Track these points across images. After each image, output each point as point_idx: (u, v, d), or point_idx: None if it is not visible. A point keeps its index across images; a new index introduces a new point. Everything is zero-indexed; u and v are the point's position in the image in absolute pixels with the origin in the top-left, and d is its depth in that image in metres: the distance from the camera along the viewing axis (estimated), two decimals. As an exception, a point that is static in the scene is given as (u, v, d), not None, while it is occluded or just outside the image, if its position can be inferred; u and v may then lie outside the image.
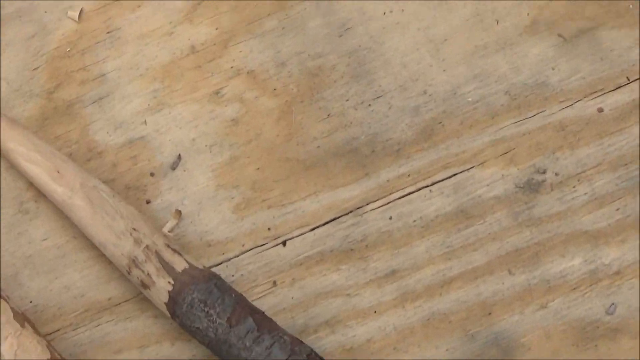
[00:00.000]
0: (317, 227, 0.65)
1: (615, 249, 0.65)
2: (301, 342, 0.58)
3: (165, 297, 0.59)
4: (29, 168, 0.61)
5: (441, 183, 0.66)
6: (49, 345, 0.58)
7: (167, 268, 0.59)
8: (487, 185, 0.65)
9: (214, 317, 0.58)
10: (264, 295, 0.65)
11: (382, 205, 0.65)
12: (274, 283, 0.64)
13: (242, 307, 0.59)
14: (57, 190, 0.60)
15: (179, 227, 0.65)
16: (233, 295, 0.59)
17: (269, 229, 0.65)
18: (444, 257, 0.64)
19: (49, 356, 0.57)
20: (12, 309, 0.58)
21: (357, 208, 0.65)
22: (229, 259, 0.65)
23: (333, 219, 0.65)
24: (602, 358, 0.62)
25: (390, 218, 0.65)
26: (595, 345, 0.63)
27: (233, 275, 0.64)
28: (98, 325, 0.63)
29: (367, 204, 0.65)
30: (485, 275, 0.64)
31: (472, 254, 0.65)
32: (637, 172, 0.66)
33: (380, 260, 0.64)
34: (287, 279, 0.64)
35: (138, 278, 0.60)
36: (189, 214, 0.66)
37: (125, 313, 0.65)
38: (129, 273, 0.60)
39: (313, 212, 0.66)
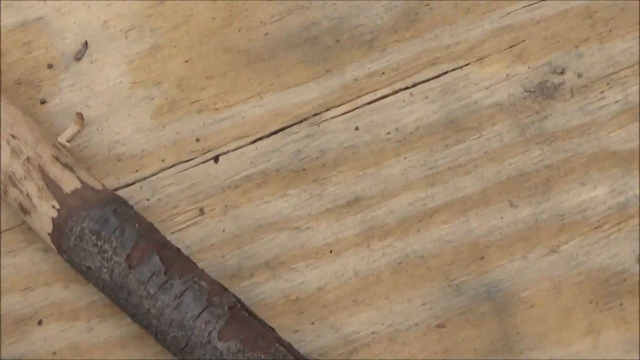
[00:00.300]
0: (260, 138, 0.57)
1: (653, 177, 0.59)
2: (224, 289, 0.51)
3: (49, 227, 0.53)
4: None
5: (425, 84, 0.57)
6: None
7: (52, 188, 0.53)
8: (487, 88, 0.57)
9: (109, 253, 0.52)
10: (187, 226, 0.58)
11: (346, 112, 0.57)
12: (201, 210, 0.57)
13: (148, 242, 0.53)
14: None
15: (81, 135, 0.57)
16: (137, 225, 0.53)
17: (197, 140, 0.58)
18: (425, 182, 0.57)
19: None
20: None
21: (314, 115, 0.57)
22: (144, 178, 0.58)
23: (281, 129, 0.57)
24: (629, 320, 0.54)
25: (357, 129, 0.57)
26: (621, 304, 0.56)
27: (148, 200, 0.57)
28: (-26, 263, 0.61)
29: (327, 110, 0.57)
30: (479, 207, 0.56)
31: (462, 179, 0.57)
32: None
33: (341, 184, 0.57)
34: (218, 205, 0.57)
35: (16, 200, 0.54)
36: (95, 119, 0.58)
37: (6, 245, 0.59)
38: (5, 193, 0.54)
39: (255, 119, 0.58)
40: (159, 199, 0.56)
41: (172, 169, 0.56)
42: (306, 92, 0.57)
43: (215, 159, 0.56)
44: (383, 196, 0.57)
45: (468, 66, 0.57)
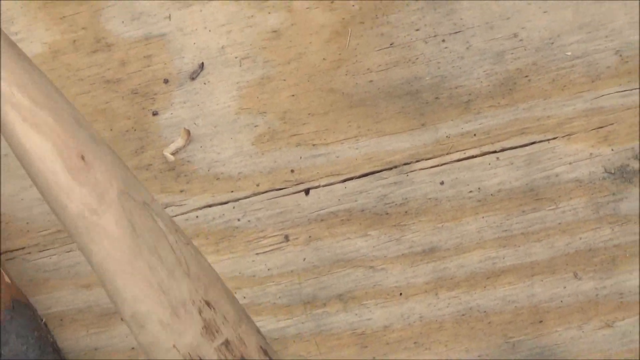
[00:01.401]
0: (351, 178, 0.57)
1: None
2: None
3: None
4: (31, 139, 0.36)
5: (512, 151, 0.57)
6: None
7: None
8: (570, 163, 0.56)
9: None
10: (271, 250, 0.58)
11: (435, 166, 0.57)
12: (286, 238, 0.57)
13: None
14: (75, 191, 0.35)
15: (185, 150, 0.57)
16: None
17: (292, 171, 0.57)
18: (498, 243, 0.56)
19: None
20: None
21: (404, 164, 0.57)
22: (237, 200, 0.58)
23: (371, 172, 0.57)
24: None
25: (442, 183, 0.56)
26: None
27: (239, 220, 0.57)
28: (69, 252, 0.58)
29: (417, 161, 0.57)
30: (545, 274, 0.56)
31: (533, 245, 0.56)
32: None
33: (419, 233, 0.57)
34: (303, 235, 0.57)
35: None
36: (200, 137, 0.57)
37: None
38: None
39: (349, 160, 0.57)
40: (249, 221, 0.56)
41: (265, 194, 0.57)
42: (400, 141, 0.57)
43: (306, 191, 0.56)
44: (457, 250, 0.56)
45: (555, 140, 0.56)
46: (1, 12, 0.57)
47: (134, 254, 0.35)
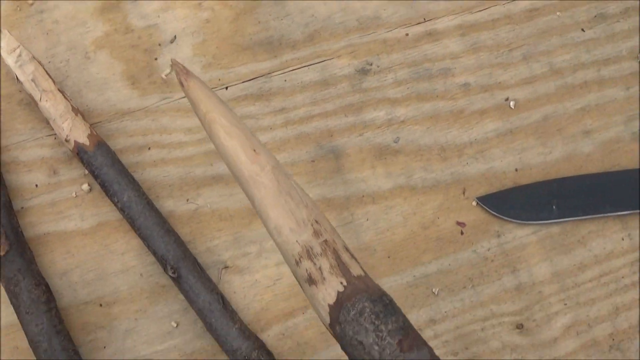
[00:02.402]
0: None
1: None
2: None
3: (332, 298, 0.54)
4: (227, 141, 0.59)
5: None
6: (91, 127, 0.85)
7: (342, 269, 0.54)
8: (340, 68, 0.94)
9: (384, 334, 0.51)
10: None
11: None
12: None
13: (416, 334, 0.53)
14: (249, 165, 0.58)
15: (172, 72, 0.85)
16: (406, 318, 0.53)
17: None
18: None
19: (89, 132, 0.84)
20: (70, 104, 0.84)
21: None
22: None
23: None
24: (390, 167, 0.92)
25: None
26: (385, 158, 0.93)
27: None
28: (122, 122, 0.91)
29: None
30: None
31: None
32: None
33: None
34: None
35: (307, 271, 0.55)
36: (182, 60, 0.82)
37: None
38: (297, 263, 0.56)
39: (240, 75, 0.87)
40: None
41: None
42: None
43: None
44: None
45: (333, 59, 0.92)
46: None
47: (277, 196, 0.57)
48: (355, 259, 0.56)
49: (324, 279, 0.54)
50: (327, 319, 0.54)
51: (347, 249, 0.56)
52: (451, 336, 0.90)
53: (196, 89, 0.61)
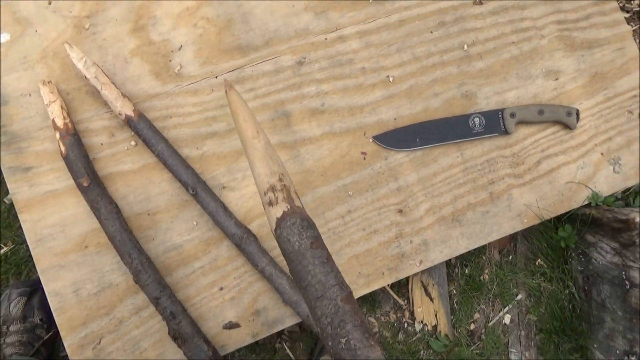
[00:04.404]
0: None
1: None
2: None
3: (279, 214, 0.67)
4: (243, 125, 0.71)
5: None
6: (134, 105, 1.06)
7: (289, 200, 0.68)
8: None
9: (304, 237, 0.65)
10: None
11: None
12: None
13: (321, 241, 0.67)
14: (252, 138, 0.70)
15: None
16: (318, 232, 0.67)
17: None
18: None
19: (133, 108, 1.05)
20: (119, 91, 1.05)
21: None
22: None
23: None
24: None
25: None
26: (316, 116, 1.16)
27: None
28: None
29: None
30: None
31: None
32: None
33: None
34: None
35: (269, 198, 0.68)
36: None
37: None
38: (265, 193, 0.68)
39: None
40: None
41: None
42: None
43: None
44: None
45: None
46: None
47: (263, 156, 0.68)
48: (298, 197, 0.67)
49: (278, 203, 0.66)
50: (274, 226, 0.67)
51: (295, 192, 0.68)
52: (360, 219, 1.19)
53: (233, 94, 0.73)
